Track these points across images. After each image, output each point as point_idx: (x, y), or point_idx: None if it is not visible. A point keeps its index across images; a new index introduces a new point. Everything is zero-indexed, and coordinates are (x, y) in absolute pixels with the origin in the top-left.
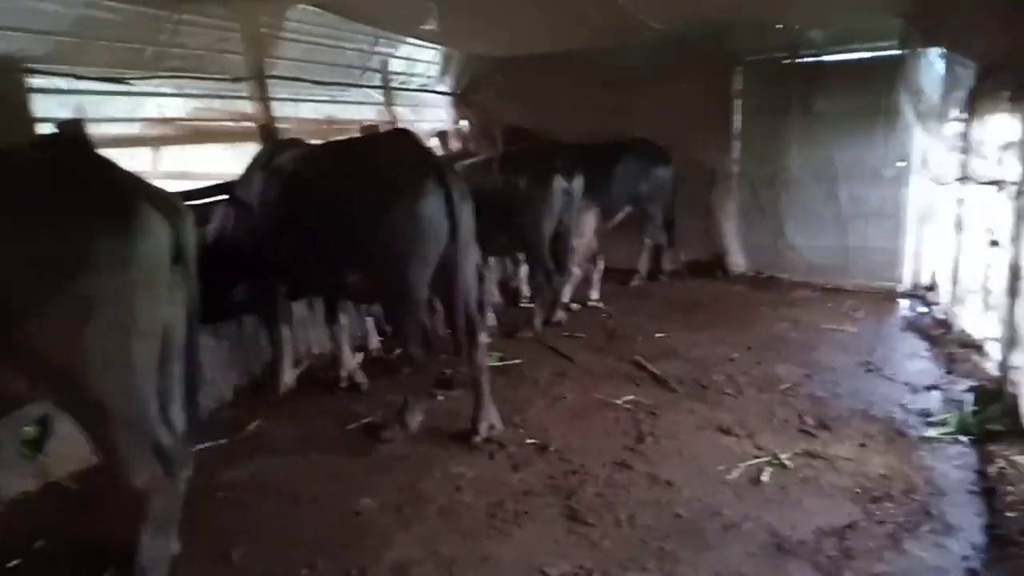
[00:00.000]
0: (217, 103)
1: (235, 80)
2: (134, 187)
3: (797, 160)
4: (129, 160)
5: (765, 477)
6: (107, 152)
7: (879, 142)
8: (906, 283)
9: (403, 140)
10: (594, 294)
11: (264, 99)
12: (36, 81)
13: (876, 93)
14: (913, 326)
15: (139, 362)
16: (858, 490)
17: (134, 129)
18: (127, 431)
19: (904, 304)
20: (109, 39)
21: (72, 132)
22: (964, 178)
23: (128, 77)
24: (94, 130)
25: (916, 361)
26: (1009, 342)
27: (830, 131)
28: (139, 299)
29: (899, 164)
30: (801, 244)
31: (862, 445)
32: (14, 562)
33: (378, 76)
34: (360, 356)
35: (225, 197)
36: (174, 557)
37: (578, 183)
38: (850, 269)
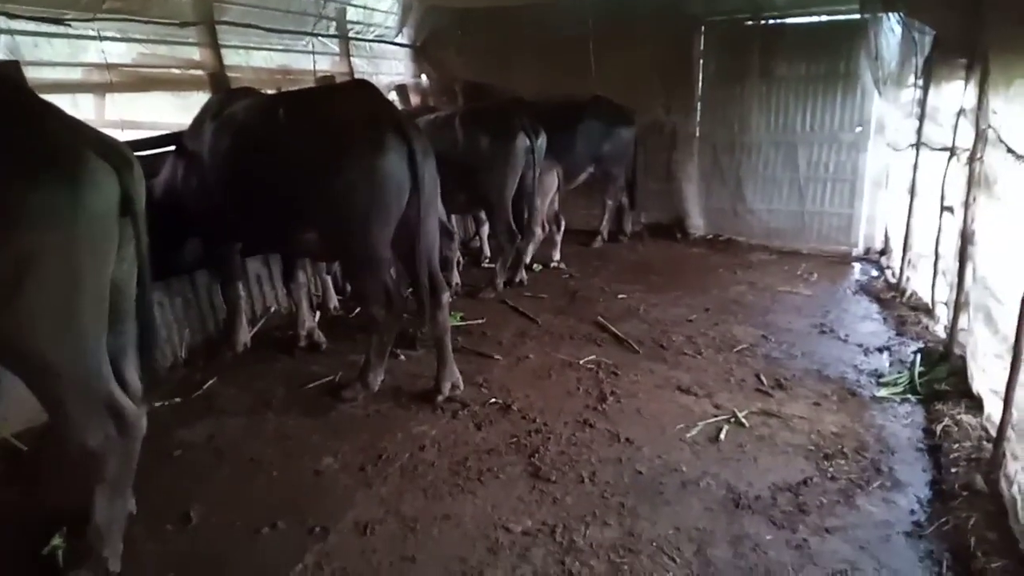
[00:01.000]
0: (164, 49)
1: (183, 25)
2: (78, 134)
3: (757, 124)
4: (71, 108)
5: (723, 435)
6: (46, 98)
7: (838, 107)
8: (860, 247)
9: (363, 92)
10: (556, 255)
11: (214, 46)
12: None
13: (836, 57)
14: (866, 289)
15: (87, 320)
16: (812, 448)
17: (75, 74)
18: (78, 391)
19: (857, 268)
20: None
21: (8, 74)
22: (919, 144)
23: (67, 18)
24: (31, 74)
25: (868, 323)
26: (957, 305)
27: (790, 95)
28: (84, 255)
29: (857, 129)
30: (759, 208)
31: (816, 404)
32: None
33: (334, 25)
34: (318, 315)
35: (173, 148)
36: (130, 517)
37: (541, 141)
38: (806, 233)
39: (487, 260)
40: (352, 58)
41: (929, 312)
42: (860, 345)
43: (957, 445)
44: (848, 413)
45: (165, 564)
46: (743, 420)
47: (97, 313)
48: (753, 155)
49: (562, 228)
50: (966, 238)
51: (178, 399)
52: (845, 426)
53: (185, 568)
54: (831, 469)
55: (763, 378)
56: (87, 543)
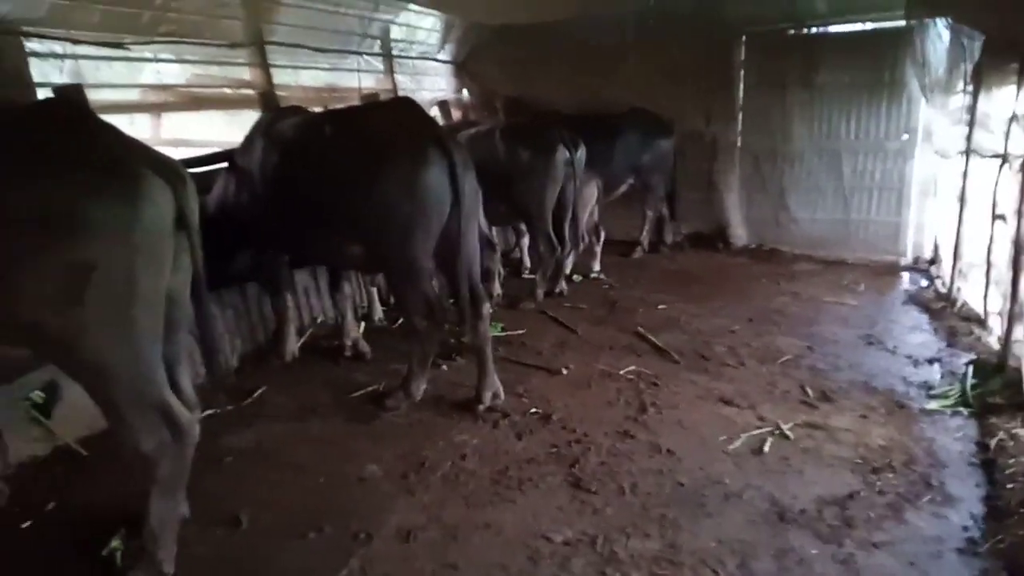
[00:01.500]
0: (216, 69)
1: (234, 46)
2: (136, 152)
3: (800, 132)
4: (128, 126)
5: (766, 447)
6: (105, 118)
7: (883, 115)
8: (908, 256)
9: (405, 108)
10: (596, 265)
11: (263, 66)
12: (32, 45)
13: (880, 65)
14: (915, 299)
15: (143, 328)
16: (859, 461)
17: (132, 95)
18: (133, 397)
19: (906, 277)
20: (104, 2)
21: (71, 97)
22: (969, 151)
23: (125, 42)
24: (92, 96)
25: (917, 334)
26: (1011, 316)
27: (834, 103)
28: (141, 265)
29: (903, 137)
30: (803, 217)
31: (863, 417)
32: (26, 523)
33: (378, 43)
34: (363, 325)
35: (226, 165)
36: (183, 520)
37: (581, 154)
38: (852, 242)
39: (527, 271)
40: (396, 75)
41: (981, 323)
42: (909, 357)
43: (1012, 460)
44: (896, 426)
45: (216, 566)
46: (787, 432)
47: (152, 322)
48: (796, 164)
49: (602, 239)
50: (1020, 247)
51: (229, 407)
52: (893, 439)
53: (235, 570)
54: (879, 483)
55: (808, 390)
56: (142, 544)
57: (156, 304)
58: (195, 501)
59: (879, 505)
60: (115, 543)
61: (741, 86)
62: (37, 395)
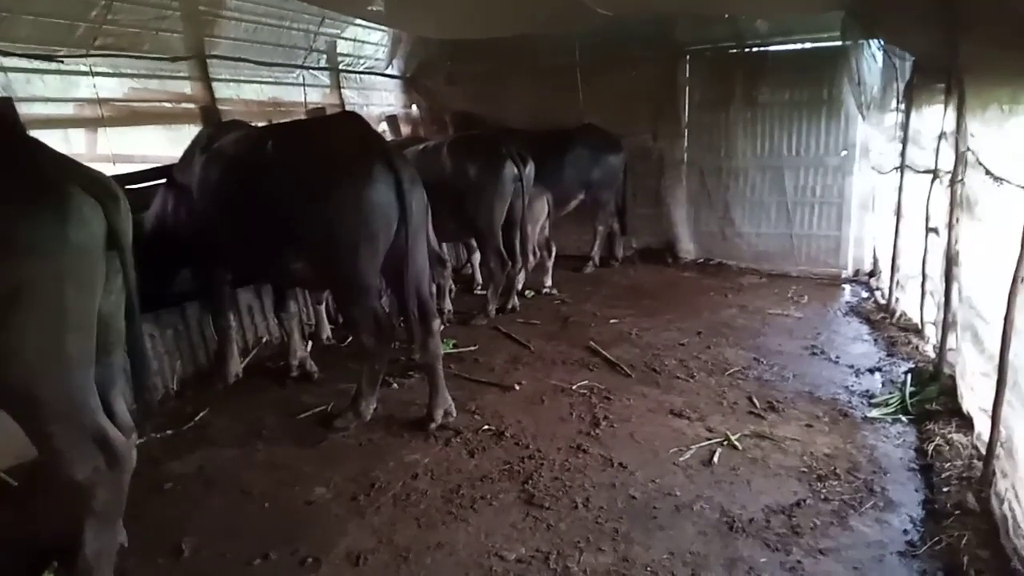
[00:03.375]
0: (155, 83)
1: (174, 60)
2: (64, 170)
3: (743, 149)
4: (63, 142)
5: (716, 458)
6: (38, 134)
7: (823, 131)
8: (849, 269)
9: (350, 123)
10: (547, 281)
11: (205, 80)
12: None
13: (819, 83)
14: (856, 311)
15: (73, 353)
16: (805, 469)
17: (67, 109)
18: (65, 424)
19: (847, 289)
20: (36, 14)
21: (1, 110)
22: (903, 167)
23: (60, 55)
24: (24, 110)
25: (859, 344)
26: (945, 325)
27: (775, 120)
28: (71, 287)
29: (842, 153)
30: (748, 231)
31: (808, 426)
32: None
33: (324, 57)
34: (310, 345)
35: (164, 181)
36: (121, 550)
37: (529, 169)
38: (795, 255)
39: (479, 287)
40: (343, 90)
41: (919, 332)
42: (851, 366)
43: (948, 464)
44: (840, 434)
45: None
46: (736, 443)
47: (84, 345)
48: (740, 180)
49: (553, 254)
50: (951, 259)
51: (169, 431)
52: (837, 447)
53: None
54: (824, 490)
55: (755, 400)
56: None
57: (87, 327)
58: (135, 529)
59: (825, 512)
60: (48, 574)
61: (687, 103)
62: None
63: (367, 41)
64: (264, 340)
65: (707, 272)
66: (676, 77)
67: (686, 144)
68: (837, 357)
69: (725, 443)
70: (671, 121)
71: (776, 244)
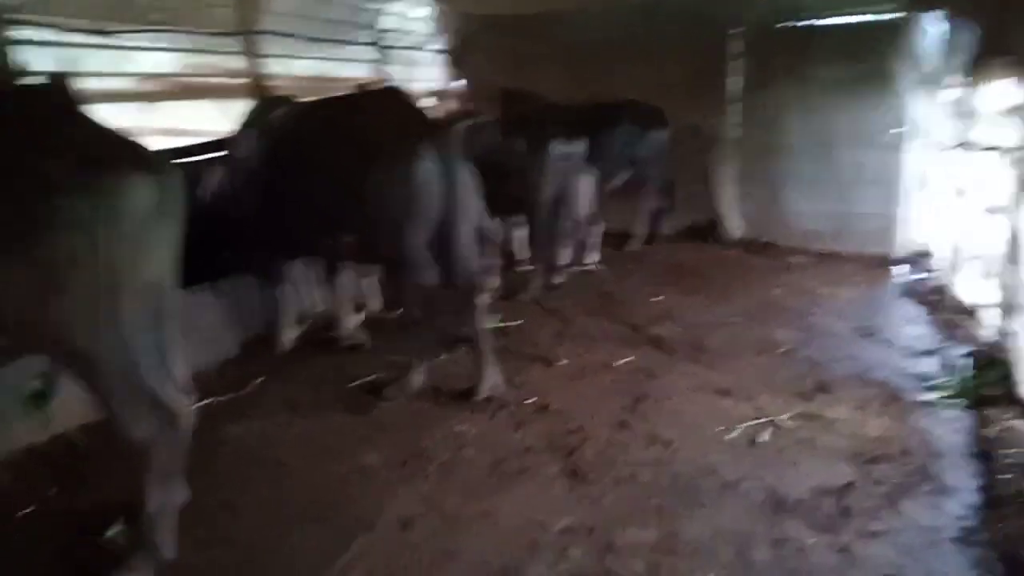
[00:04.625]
0: (207, 58)
1: (226, 35)
2: (117, 143)
3: (794, 125)
4: (117, 116)
5: (763, 438)
6: (93, 108)
7: (876, 108)
8: (902, 250)
9: (396, 99)
10: (592, 258)
11: (255, 55)
12: (17, 32)
13: (874, 58)
14: (909, 292)
15: (129, 319)
16: (855, 452)
17: (121, 84)
18: (124, 387)
19: (899, 270)
20: None
21: (57, 86)
22: (963, 144)
23: (114, 30)
24: (79, 85)
25: (912, 326)
26: (1008, 308)
27: (827, 96)
28: (124, 257)
29: (896, 130)
30: (797, 210)
31: (859, 408)
32: (26, 510)
33: (371, 33)
34: (361, 316)
35: (217, 155)
36: (183, 507)
37: (579, 146)
38: (846, 235)
39: (524, 263)
40: (389, 65)
41: (976, 315)
42: (905, 349)
43: (1008, 451)
44: (893, 417)
45: (216, 552)
46: (784, 423)
47: (139, 312)
48: (790, 157)
49: (599, 231)
50: (1015, 239)
51: (227, 395)
52: (890, 430)
53: (235, 556)
54: (875, 473)
55: (804, 381)
56: (142, 530)
57: (142, 294)
58: (196, 488)
59: (876, 495)
60: (116, 529)
61: (735, 79)
62: (35, 384)
63: (413, 16)
64: (317, 311)
65: (754, 251)
66: (725, 52)
67: (734, 120)
68: (890, 339)
69: (772, 423)
70: (720, 97)
71: (826, 223)
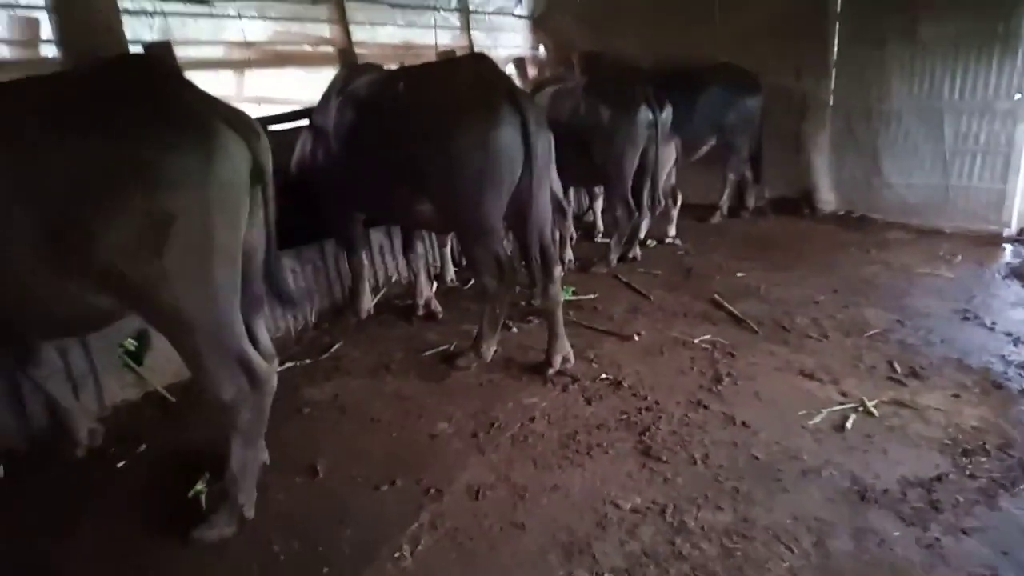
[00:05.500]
0: (297, 26)
1: (314, 2)
2: (212, 107)
3: (898, 90)
4: (213, 83)
5: (849, 424)
6: (192, 75)
7: (993, 71)
8: (1013, 227)
9: (478, 65)
10: (672, 230)
11: (342, 23)
12: (124, 3)
13: (993, 16)
14: (1018, 273)
15: (220, 280)
16: (949, 442)
17: (217, 52)
18: (212, 347)
19: (1009, 249)
20: None
21: (160, 54)
22: None
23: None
24: (180, 52)
25: (1019, 310)
26: None
27: (937, 58)
28: (217, 218)
29: (1015, 97)
30: (897, 182)
31: (955, 396)
32: (121, 463)
33: (455, 0)
34: (436, 285)
35: (305, 123)
36: (264, 467)
37: (666, 115)
38: (950, 210)
39: (600, 235)
40: (472, 31)
41: None
42: (1009, 334)
43: None
44: (992, 407)
45: (294, 512)
46: (872, 409)
47: (229, 274)
48: (892, 124)
49: (679, 202)
50: None
51: (307, 360)
52: (988, 421)
53: (312, 517)
54: (970, 466)
55: (896, 365)
56: (225, 488)
57: (233, 256)
58: (275, 449)
59: (970, 489)
60: (200, 486)
61: (836, 40)
62: (130, 343)
63: None
64: (393, 279)
65: (848, 225)
66: (826, 9)
67: (833, 84)
68: (993, 323)
69: (860, 408)
70: (817, 58)
71: (929, 196)
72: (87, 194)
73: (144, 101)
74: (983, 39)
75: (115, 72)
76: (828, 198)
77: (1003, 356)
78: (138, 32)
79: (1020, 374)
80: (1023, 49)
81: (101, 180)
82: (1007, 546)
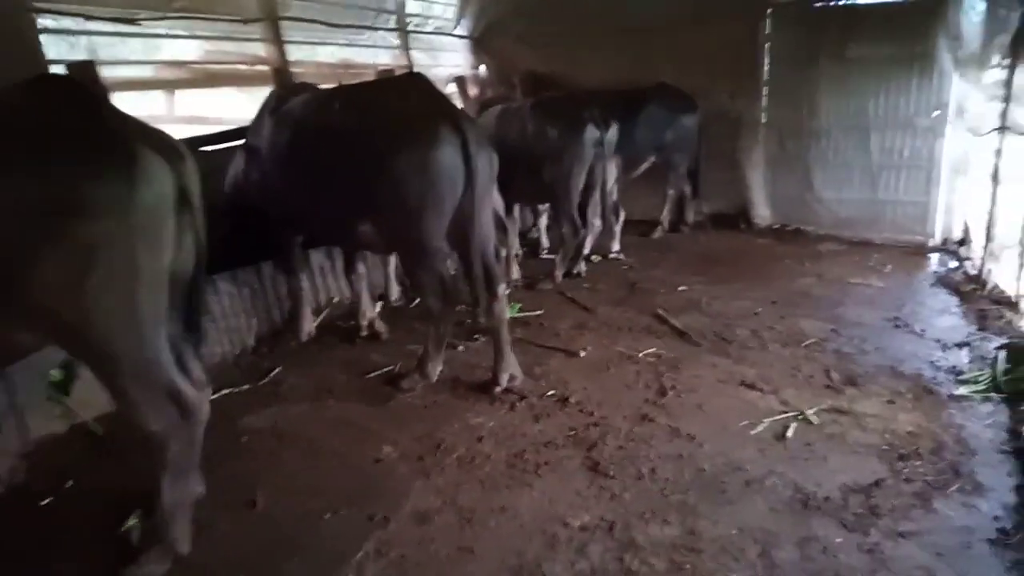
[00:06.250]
0: (230, 45)
1: (248, 21)
2: (134, 130)
3: (827, 109)
4: (143, 104)
5: (790, 433)
6: (120, 95)
7: (913, 90)
8: (937, 237)
9: (416, 84)
10: (615, 246)
11: (277, 41)
12: (45, 22)
13: (912, 39)
14: (944, 282)
15: (146, 309)
16: (886, 447)
17: (147, 72)
18: (139, 378)
19: (934, 259)
20: None
21: (83, 74)
22: (1003, 128)
23: (139, 18)
24: (107, 73)
25: (946, 317)
26: None
27: (862, 79)
28: (142, 246)
29: (934, 114)
30: (829, 196)
31: (890, 402)
32: (46, 500)
33: (394, 18)
34: (379, 305)
35: (237, 143)
36: (199, 500)
37: (612, 133)
38: (879, 222)
39: (545, 251)
40: (412, 51)
41: (1013, 306)
42: (938, 340)
43: None
44: (924, 412)
45: (232, 546)
46: (811, 418)
47: (155, 302)
48: (822, 141)
49: (621, 218)
50: None
51: (246, 386)
52: (921, 426)
53: (251, 550)
54: (906, 470)
55: (833, 374)
56: (158, 524)
57: (159, 284)
58: (212, 480)
59: (906, 493)
60: (132, 521)
61: (767, 61)
62: (55, 373)
63: (435, 1)
64: (335, 300)
65: (783, 239)
66: (757, 33)
67: (765, 104)
68: (922, 330)
69: (800, 418)
70: (750, 80)
71: (858, 210)
72: (3, 226)
73: (62, 126)
74: (904, 60)
75: (32, 95)
76: (764, 213)
77: (933, 362)
78: (62, 52)
79: (949, 379)
80: (938, 69)
81: (16, 210)
82: (942, 547)
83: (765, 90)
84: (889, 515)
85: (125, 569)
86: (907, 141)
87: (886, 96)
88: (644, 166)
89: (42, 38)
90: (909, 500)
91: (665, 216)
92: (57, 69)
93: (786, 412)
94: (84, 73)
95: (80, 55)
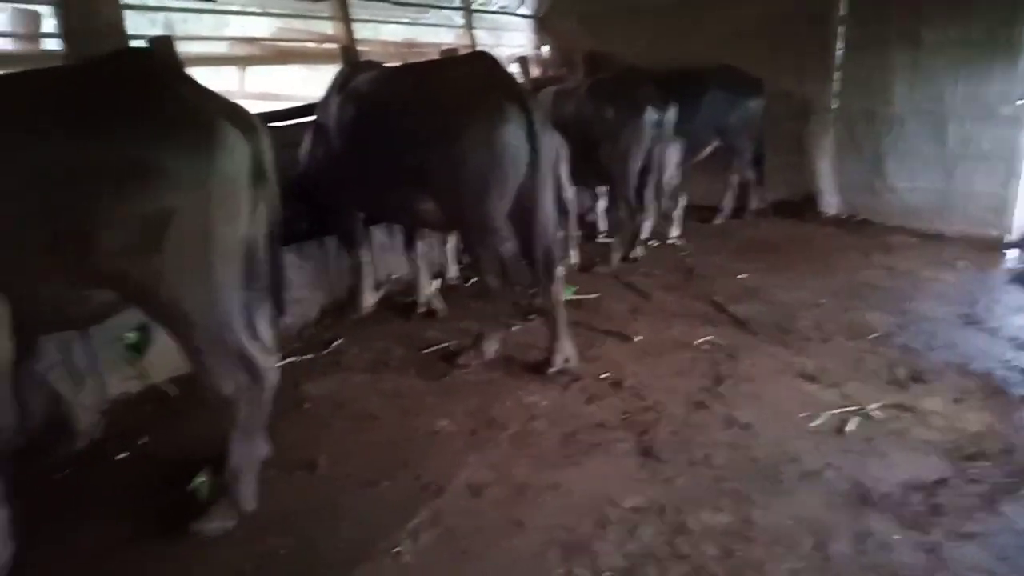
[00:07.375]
0: (299, 23)
1: (317, 0)
2: (211, 102)
3: (902, 95)
4: (215, 79)
5: (849, 427)
6: (194, 70)
7: (995, 77)
8: (1015, 232)
9: (482, 63)
10: (674, 231)
11: (345, 20)
12: None
13: (996, 21)
14: (1021, 279)
15: (220, 276)
16: (950, 446)
17: (220, 48)
18: (212, 342)
19: (1012, 255)
20: None
21: (161, 49)
22: None
23: None
24: (182, 48)
25: (1021, 316)
26: None
27: (941, 64)
28: (217, 214)
29: (1018, 102)
30: (901, 186)
31: (957, 400)
32: (122, 455)
33: None
34: (438, 283)
35: (305, 119)
36: (264, 461)
37: (670, 115)
38: (953, 214)
39: (603, 235)
40: (475, 30)
41: None
42: (1012, 339)
43: None
44: (994, 412)
45: (294, 506)
46: (873, 413)
47: (230, 270)
48: (895, 128)
49: (682, 203)
50: None
51: (308, 356)
52: (990, 425)
53: (312, 511)
54: (972, 471)
55: (898, 369)
56: (225, 481)
57: (233, 252)
58: (276, 444)
59: (971, 494)
60: (200, 478)
61: (839, 44)
62: (131, 335)
63: None
64: (395, 276)
65: (850, 229)
66: (830, 13)
67: (835, 88)
68: (996, 328)
69: (861, 412)
70: (820, 62)
71: (932, 201)
72: (86, 190)
73: (143, 96)
74: (986, 44)
75: (115, 67)
76: (830, 201)
77: (1005, 361)
78: (140, 27)
79: (1021, 380)
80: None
81: (99, 178)
82: (1006, 550)
83: (836, 74)
84: (952, 514)
85: (194, 522)
86: (986, 130)
87: (966, 83)
88: (707, 150)
89: (124, 14)
90: (974, 501)
91: (727, 202)
92: (137, 43)
93: (846, 406)
94: (163, 47)
95: (158, 31)
